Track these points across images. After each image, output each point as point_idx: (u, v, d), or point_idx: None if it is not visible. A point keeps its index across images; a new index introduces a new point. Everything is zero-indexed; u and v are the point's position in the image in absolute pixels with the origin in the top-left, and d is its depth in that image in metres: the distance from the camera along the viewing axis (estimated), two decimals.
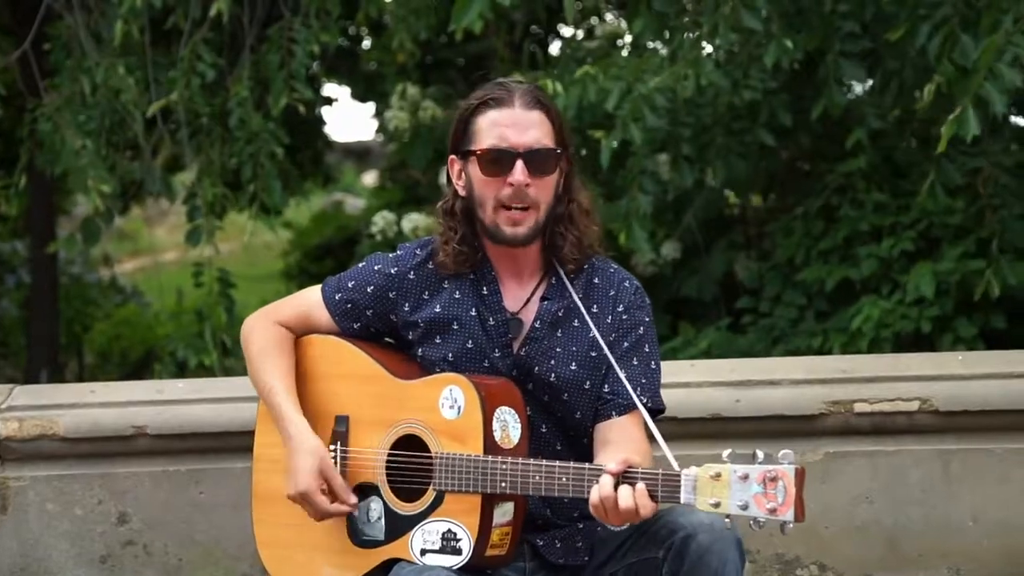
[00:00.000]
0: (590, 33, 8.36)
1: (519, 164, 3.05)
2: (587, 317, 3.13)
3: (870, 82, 6.41)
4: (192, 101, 6.23)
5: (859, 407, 3.94)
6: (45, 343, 11.11)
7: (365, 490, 3.10)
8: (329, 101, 11.47)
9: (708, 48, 5.70)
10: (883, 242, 6.15)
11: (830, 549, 3.97)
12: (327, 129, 12.13)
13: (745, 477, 2.72)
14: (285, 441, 3.12)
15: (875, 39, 6.01)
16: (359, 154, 20.69)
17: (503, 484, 2.94)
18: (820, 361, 4.44)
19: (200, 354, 6.36)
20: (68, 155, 6.13)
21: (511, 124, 3.06)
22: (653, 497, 2.81)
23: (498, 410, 3.00)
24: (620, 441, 3.05)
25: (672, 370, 4.03)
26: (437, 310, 3.16)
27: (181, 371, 6.60)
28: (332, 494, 3.07)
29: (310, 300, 3.28)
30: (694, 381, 4.00)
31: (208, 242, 6.35)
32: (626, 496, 2.80)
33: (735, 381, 4.00)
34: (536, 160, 3.06)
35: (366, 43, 10.45)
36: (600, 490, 2.82)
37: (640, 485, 2.80)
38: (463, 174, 3.14)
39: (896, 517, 3.96)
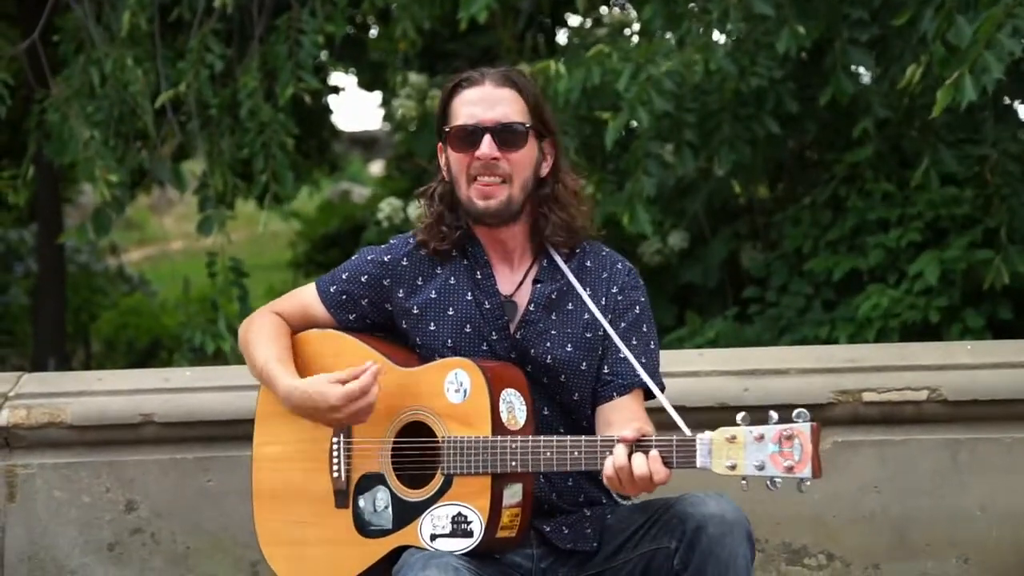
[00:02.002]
0: (598, 22, 8.34)
1: (487, 138, 3.10)
2: (584, 297, 3.14)
3: (874, 70, 6.40)
4: (200, 92, 6.24)
5: (868, 396, 3.93)
6: (52, 332, 11.12)
7: (371, 480, 3.10)
8: (336, 90, 11.46)
9: (718, 36, 5.69)
10: (891, 232, 6.15)
11: (838, 538, 3.96)
12: (334, 118, 12.14)
13: (761, 437, 2.73)
14: (286, 400, 3.09)
15: (883, 27, 5.99)
16: (366, 143, 20.71)
17: (513, 463, 2.94)
18: (829, 350, 4.43)
19: (217, 340, 6.38)
20: (75, 146, 6.14)
21: (479, 101, 3.13)
22: (667, 463, 2.82)
23: (504, 392, 3.01)
24: (623, 421, 3.05)
25: (680, 359, 4.04)
26: (432, 295, 3.18)
27: (198, 358, 6.63)
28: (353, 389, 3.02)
29: (305, 296, 3.30)
30: (703, 370, 3.99)
31: (220, 232, 6.37)
32: (640, 463, 2.82)
33: (743, 370, 3.99)
34: (504, 134, 3.12)
35: (373, 32, 10.44)
36: (615, 460, 2.83)
37: (653, 452, 2.82)
38: (446, 159, 3.20)
39: (904, 506, 3.95)
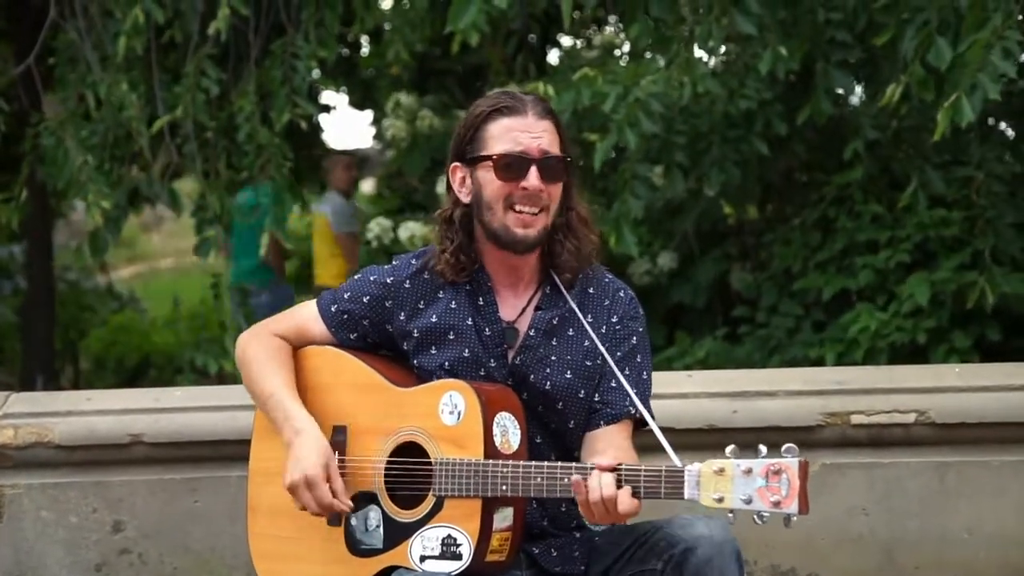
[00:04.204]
0: (588, 43, 8.38)
1: (534, 169, 3.08)
2: (584, 325, 3.14)
3: (861, 92, 6.44)
4: (196, 116, 6.25)
5: (856, 419, 3.94)
6: (41, 349, 11.10)
7: (363, 499, 3.09)
8: (327, 108, 11.47)
9: (700, 53, 5.71)
10: (880, 253, 6.17)
11: (826, 561, 3.96)
12: (325, 136, 12.15)
13: (748, 471, 2.73)
14: (291, 438, 3.08)
15: (869, 49, 6.03)
16: (356, 161, 20.71)
17: (504, 488, 2.94)
18: (817, 372, 4.44)
19: (220, 359, 6.40)
20: (70, 169, 6.15)
21: (525, 130, 3.10)
22: (655, 494, 2.81)
23: (498, 415, 3.01)
24: (607, 450, 3.05)
25: (669, 381, 4.04)
26: (433, 319, 3.16)
27: (203, 378, 6.65)
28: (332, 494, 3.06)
29: (306, 314, 3.28)
30: (691, 392, 3.99)
31: (217, 254, 6.39)
32: (608, 485, 2.82)
33: (732, 392, 3.99)
34: (549, 166, 3.10)
35: (365, 51, 10.45)
36: (590, 493, 2.83)
37: (626, 487, 2.82)
38: (466, 181, 3.15)
39: (892, 529, 3.95)
